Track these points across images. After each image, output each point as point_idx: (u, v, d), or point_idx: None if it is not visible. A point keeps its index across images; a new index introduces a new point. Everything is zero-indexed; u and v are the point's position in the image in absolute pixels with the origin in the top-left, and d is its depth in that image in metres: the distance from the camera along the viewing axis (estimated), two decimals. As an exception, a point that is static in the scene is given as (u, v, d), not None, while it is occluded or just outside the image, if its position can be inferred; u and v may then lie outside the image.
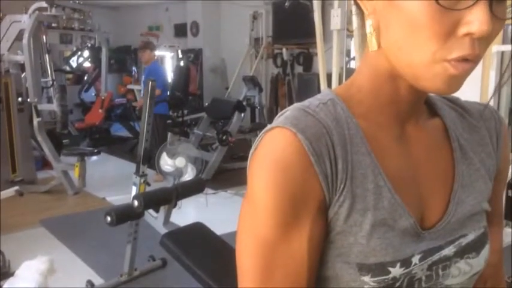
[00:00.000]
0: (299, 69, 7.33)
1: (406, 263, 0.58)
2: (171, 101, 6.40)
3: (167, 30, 9.56)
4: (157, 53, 9.34)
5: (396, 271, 0.57)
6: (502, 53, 3.35)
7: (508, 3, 0.54)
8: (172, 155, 4.89)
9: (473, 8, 0.49)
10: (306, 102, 0.60)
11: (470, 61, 0.52)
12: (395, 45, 0.55)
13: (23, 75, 5.18)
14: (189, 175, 4.77)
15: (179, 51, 8.72)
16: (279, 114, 0.60)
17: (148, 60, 6.01)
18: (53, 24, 5.17)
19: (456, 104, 0.70)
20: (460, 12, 0.50)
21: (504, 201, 3.77)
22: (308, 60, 7.16)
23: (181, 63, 8.49)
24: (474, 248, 0.63)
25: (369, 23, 0.57)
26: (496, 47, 3.24)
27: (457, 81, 0.53)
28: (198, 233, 2.48)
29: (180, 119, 6.80)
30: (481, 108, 0.71)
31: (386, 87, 0.60)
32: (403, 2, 0.52)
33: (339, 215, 0.56)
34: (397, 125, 0.63)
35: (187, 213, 3.98)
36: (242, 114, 5.72)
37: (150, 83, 2.71)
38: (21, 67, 5.12)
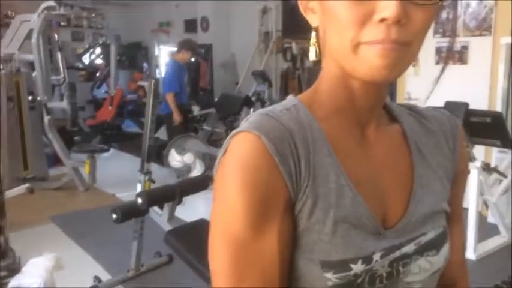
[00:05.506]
0: (309, 63, 7.29)
1: (367, 260, 0.60)
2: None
3: (177, 26, 9.57)
4: (168, 48, 9.40)
5: (358, 268, 0.59)
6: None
7: None
8: (181, 151, 4.93)
9: None
10: (270, 108, 0.64)
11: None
12: (332, 47, 0.60)
13: (33, 74, 5.25)
14: (197, 171, 4.81)
15: (189, 47, 8.70)
16: (244, 119, 0.63)
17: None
18: (61, 23, 5.16)
19: (414, 110, 0.74)
20: (376, 1, 0.54)
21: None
22: (318, 54, 7.13)
23: (192, 59, 8.49)
24: (434, 245, 0.66)
25: (313, 34, 0.63)
26: (504, 39, 3.18)
27: (383, 61, 0.55)
28: (201, 229, 2.49)
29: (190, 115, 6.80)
30: (437, 114, 0.75)
31: (340, 92, 0.64)
32: (330, 4, 0.57)
33: (302, 213, 0.59)
34: (358, 129, 0.66)
35: (194, 209, 4.00)
36: (251, 110, 5.70)
37: (153, 81, 2.72)
38: (32, 66, 5.18)
